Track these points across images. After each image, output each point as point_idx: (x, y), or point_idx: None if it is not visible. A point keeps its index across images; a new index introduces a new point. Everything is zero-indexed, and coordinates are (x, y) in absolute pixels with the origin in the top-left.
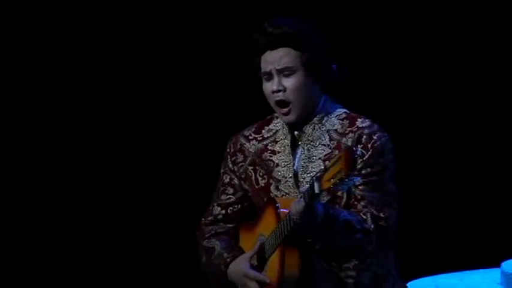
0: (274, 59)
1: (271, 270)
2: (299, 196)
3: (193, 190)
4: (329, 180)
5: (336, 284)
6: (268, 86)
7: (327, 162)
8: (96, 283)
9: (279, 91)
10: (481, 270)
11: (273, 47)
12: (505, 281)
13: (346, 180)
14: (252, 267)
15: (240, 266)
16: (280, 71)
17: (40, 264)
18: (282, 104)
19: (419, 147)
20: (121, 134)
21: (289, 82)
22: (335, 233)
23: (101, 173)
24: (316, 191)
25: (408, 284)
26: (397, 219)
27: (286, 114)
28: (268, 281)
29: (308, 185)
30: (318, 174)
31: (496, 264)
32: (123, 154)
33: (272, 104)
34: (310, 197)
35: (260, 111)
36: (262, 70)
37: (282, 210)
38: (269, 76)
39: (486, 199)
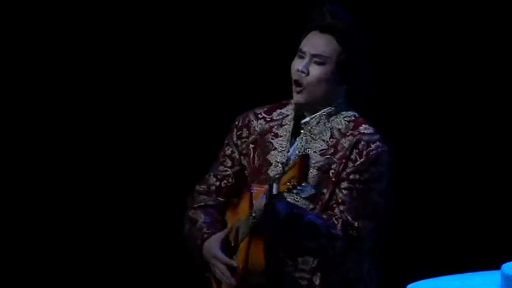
0: (315, 42)
1: (240, 257)
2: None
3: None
4: (284, 183)
5: (296, 284)
6: (296, 63)
7: (284, 166)
8: (96, 283)
9: (302, 72)
10: (481, 273)
11: (322, 30)
12: (505, 283)
13: (298, 187)
14: (224, 249)
15: (212, 245)
16: (313, 56)
17: (40, 264)
18: (297, 83)
19: (420, 149)
20: (121, 133)
21: (315, 70)
22: (297, 234)
23: (100, 173)
24: (274, 191)
25: (409, 286)
26: (374, 231)
27: (297, 92)
28: (235, 265)
29: (269, 184)
30: (278, 175)
31: (496, 266)
32: (123, 154)
33: (292, 80)
34: (270, 196)
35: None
36: (301, 46)
37: (254, 196)
38: (302, 55)
39: (486, 201)
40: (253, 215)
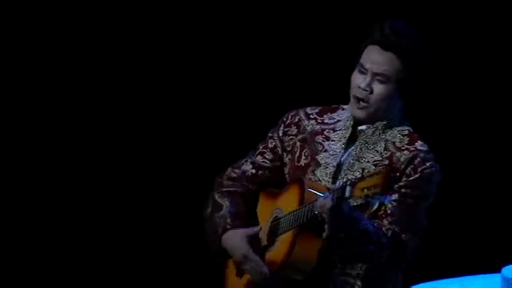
0: (378, 60)
1: (279, 249)
2: (327, 187)
3: (193, 191)
4: (362, 189)
5: (344, 285)
6: (358, 80)
7: (365, 172)
8: (96, 283)
9: (365, 90)
10: (481, 276)
11: (385, 48)
12: (505, 286)
13: (379, 196)
14: (255, 244)
15: (237, 240)
16: (376, 74)
17: (40, 264)
18: (362, 100)
19: None
20: (121, 134)
21: (378, 88)
22: (350, 237)
23: (100, 173)
24: (347, 194)
25: None
26: (416, 247)
27: (360, 108)
28: (267, 271)
29: (340, 185)
30: (354, 179)
31: (496, 269)
32: (123, 154)
33: (352, 94)
34: (338, 198)
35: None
36: (361, 61)
37: (308, 191)
38: (364, 71)
39: (487, 204)
40: (314, 211)
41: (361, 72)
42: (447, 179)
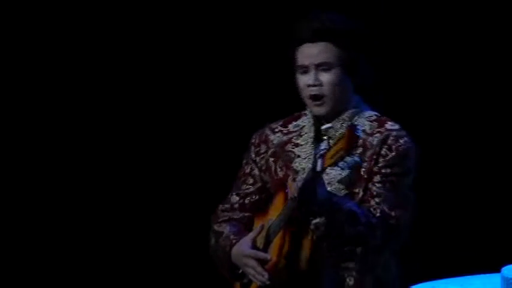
0: (313, 53)
1: (273, 252)
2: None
3: (192, 191)
4: (331, 157)
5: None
6: (304, 79)
7: (331, 141)
8: (96, 283)
9: (315, 85)
10: (481, 276)
11: (314, 40)
12: (505, 286)
13: (347, 158)
14: (255, 248)
15: (241, 247)
16: (318, 66)
17: (40, 264)
18: (316, 97)
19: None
20: (121, 134)
21: (325, 77)
22: (337, 221)
23: (101, 173)
24: (318, 168)
25: None
26: (408, 223)
27: (318, 105)
28: (268, 257)
29: (311, 163)
30: (322, 152)
31: (496, 269)
32: (124, 154)
33: (305, 96)
34: (312, 175)
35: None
36: (299, 63)
37: (289, 191)
38: (305, 69)
39: (486, 204)
40: (292, 197)
41: (304, 72)
42: (447, 179)
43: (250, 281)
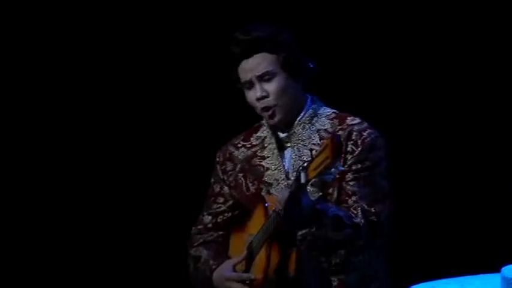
0: (252, 66)
1: (258, 267)
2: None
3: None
4: (315, 169)
5: (322, 280)
6: (252, 95)
7: (313, 152)
8: (96, 283)
9: (263, 97)
10: (481, 276)
11: (248, 54)
12: (505, 286)
13: (332, 167)
14: (236, 271)
15: (222, 272)
16: (260, 77)
17: (40, 264)
18: (267, 109)
19: (419, 153)
20: (120, 134)
21: (271, 86)
22: (324, 229)
23: (100, 174)
24: (302, 180)
25: None
26: (389, 215)
27: (271, 117)
28: (252, 276)
29: (294, 176)
30: (305, 164)
31: (496, 269)
32: (122, 155)
33: (258, 111)
34: (297, 187)
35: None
36: (242, 80)
37: (270, 205)
38: (250, 84)
39: (486, 203)
40: (276, 210)
41: (249, 88)
42: (447, 179)
43: None
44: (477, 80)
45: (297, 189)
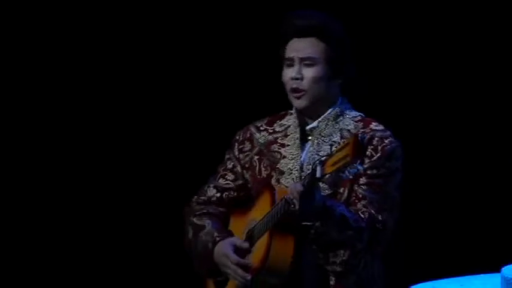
0: (299, 47)
1: (256, 254)
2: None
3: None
4: (333, 164)
5: (320, 278)
6: (288, 73)
7: (333, 148)
8: (96, 283)
9: (297, 79)
10: (481, 276)
11: (300, 35)
12: (505, 286)
13: (351, 166)
14: (237, 250)
15: (224, 247)
16: (302, 60)
17: (40, 264)
18: (296, 90)
19: (419, 153)
20: (120, 134)
21: (308, 72)
22: (329, 226)
23: (100, 173)
24: (318, 175)
25: None
26: (394, 225)
27: (298, 98)
28: (250, 264)
29: (310, 169)
30: (322, 158)
31: (496, 269)
32: (123, 154)
33: (288, 90)
34: (311, 181)
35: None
36: (286, 56)
37: (278, 191)
38: (291, 62)
39: (486, 203)
40: (287, 199)
41: (289, 65)
42: (447, 179)
43: (226, 280)
44: (476, 81)
45: (311, 182)
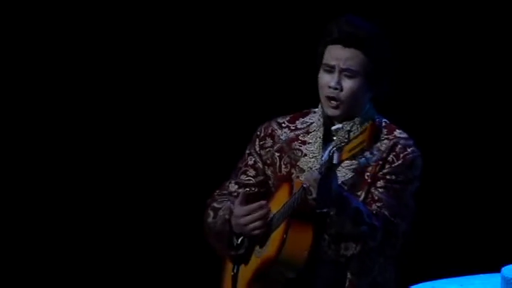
0: (342, 56)
1: (273, 244)
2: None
3: (192, 191)
4: (350, 151)
5: (335, 277)
6: (326, 79)
7: (351, 134)
8: (96, 283)
9: (335, 88)
10: (481, 276)
11: (346, 44)
12: (505, 286)
13: (367, 152)
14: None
15: (236, 209)
16: (343, 70)
17: (40, 264)
18: (334, 99)
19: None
20: (121, 134)
21: (347, 84)
22: (343, 217)
23: (100, 173)
24: (335, 161)
25: None
26: (406, 232)
27: (334, 107)
28: (263, 203)
29: (327, 155)
30: (339, 145)
31: (496, 269)
32: (123, 154)
33: (323, 94)
34: (328, 167)
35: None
36: (325, 61)
37: (296, 182)
38: (330, 69)
39: (486, 203)
40: (305, 186)
41: (328, 72)
42: (447, 179)
43: (248, 253)
44: (476, 81)
45: (329, 169)
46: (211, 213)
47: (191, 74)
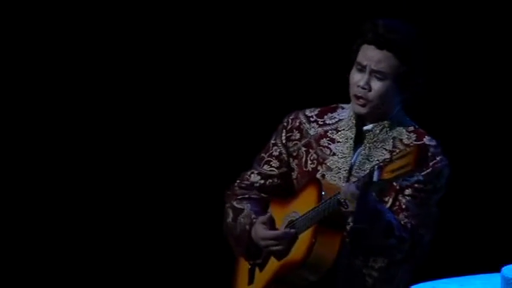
0: (374, 57)
1: (297, 247)
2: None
3: (192, 191)
4: (392, 171)
5: (355, 282)
6: (357, 78)
7: (393, 154)
8: (96, 283)
9: (364, 88)
10: (481, 276)
11: (379, 46)
12: (505, 286)
13: (411, 176)
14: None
15: (258, 227)
16: (373, 71)
17: (40, 264)
18: (361, 98)
19: None
20: (121, 134)
21: (376, 85)
22: (374, 230)
23: (101, 173)
24: (375, 179)
25: None
26: (428, 242)
27: (360, 105)
28: (289, 232)
29: (367, 172)
30: (381, 163)
31: (496, 269)
32: (124, 154)
33: (352, 92)
34: (366, 183)
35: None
36: (358, 59)
37: (327, 187)
38: (362, 68)
39: (486, 203)
40: (339, 199)
41: (359, 71)
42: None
43: (265, 262)
44: (476, 81)
45: (366, 185)
46: (231, 214)
47: (197, 72)
